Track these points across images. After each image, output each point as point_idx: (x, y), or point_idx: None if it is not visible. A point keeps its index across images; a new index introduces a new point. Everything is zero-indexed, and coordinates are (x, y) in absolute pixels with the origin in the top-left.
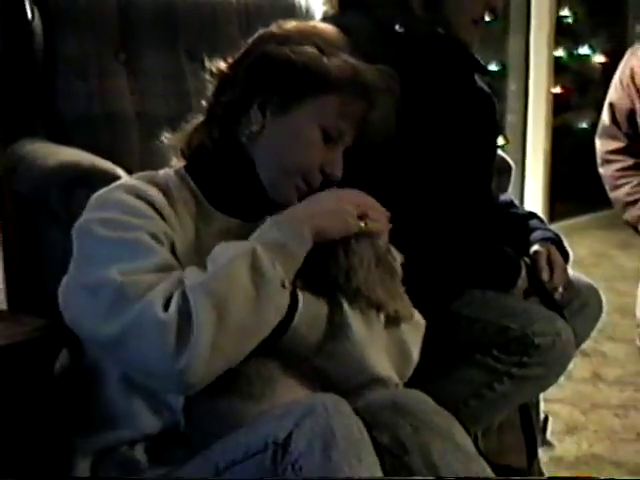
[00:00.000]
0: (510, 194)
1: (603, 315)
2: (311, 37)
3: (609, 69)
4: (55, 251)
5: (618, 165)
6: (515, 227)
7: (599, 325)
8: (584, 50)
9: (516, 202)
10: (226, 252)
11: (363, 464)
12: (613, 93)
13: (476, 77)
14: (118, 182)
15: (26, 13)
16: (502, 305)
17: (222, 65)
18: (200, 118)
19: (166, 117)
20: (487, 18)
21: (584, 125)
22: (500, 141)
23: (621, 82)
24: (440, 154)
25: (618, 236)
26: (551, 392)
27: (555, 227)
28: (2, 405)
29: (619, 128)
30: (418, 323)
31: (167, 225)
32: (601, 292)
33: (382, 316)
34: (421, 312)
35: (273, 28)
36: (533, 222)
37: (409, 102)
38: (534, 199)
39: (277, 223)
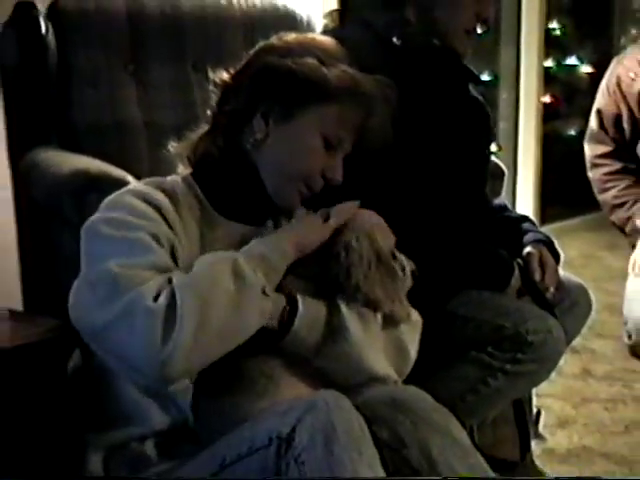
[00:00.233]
0: (503, 198)
1: (592, 313)
2: (311, 49)
3: (596, 79)
4: (68, 255)
5: (606, 169)
6: (508, 230)
7: (588, 323)
8: (572, 61)
9: (509, 206)
10: (210, 259)
11: (363, 458)
12: (600, 100)
13: (470, 86)
14: (127, 187)
15: (40, 28)
16: (496, 304)
17: (225, 76)
18: (205, 127)
19: (173, 126)
20: (479, 30)
21: (572, 132)
22: (493, 148)
23: (608, 89)
24: (436, 160)
25: (606, 238)
26: (543, 387)
27: (546, 229)
28: (18, 403)
29: (606, 133)
30: (415, 322)
31: (172, 229)
32: (590, 291)
33: (379, 317)
34: (419, 311)
35: (273, 40)
36: (525, 225)
37: (407, 111)
38: (526, 203)
39: (262, 241)
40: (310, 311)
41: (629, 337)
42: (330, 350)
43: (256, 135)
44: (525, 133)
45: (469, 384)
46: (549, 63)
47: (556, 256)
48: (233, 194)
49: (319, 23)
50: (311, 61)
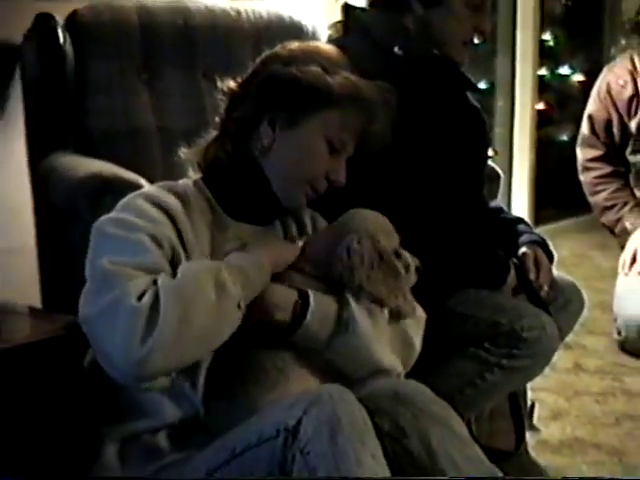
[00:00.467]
0: (499, 201)
1: (584, 311)
2: (314, 57)
3: (587, 87)
4: (84, 254)
5: (597, 172)
6: (504, 231)
7: (580, 320)
8: (564, 70)
9: (505, 208)
10: (195, 266)
11: (366, 448)
12: (592, 106)
13: (468, 94)
14: (141, 190)
15: (58, 38)
16: (493, 302)
17: (232, 84)
18: (214, 133)
19: (185, 131)
20: (476, 41)
21: (565, 138)
22: (490, 152)
23: (599, 95)
24: (436, 164)
25: (596, 238)
26: (537, 381)
27: (540, 230)
28: (36, 396)
29: (597, 138)
30: (419, 316)
31: (179, 231)
32: (582, 290)
33: (385, 312)
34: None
35: (278, 49)
36: (520, 226)
37: (408, 117)
38: (521, 205)
39: (242, 255)
40: (321, 306)
41: (619, 333)
42: (340, 343)
43: (263, 141)
44: (520, 138)
45: (467, 378)
46: (543, 72)
47: (550, 256)
48: (242, 197)
49: (324, 33)
50: (315, 69)
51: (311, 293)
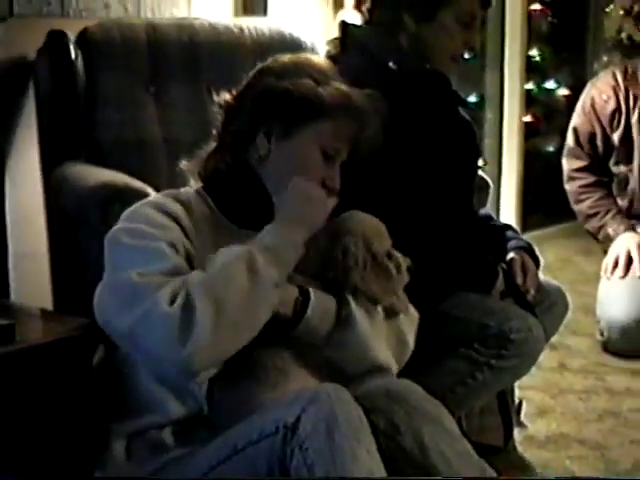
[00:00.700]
0: (488, 208)
1: (568, 313)
2: (306, 69)
3: (572, 101)
4: (94, 260)
5: (581, 182)
6: (493, 237)
7: (565, 321)
8: (550, 84)
9: (494, 215)
10: (226, 255)
11: (362, 444)
12: (576, 119)
13: (459, 107)
14: (146, 199)
15: (70, 54)
16: (483, 305)
17: (228, 97)
18: (213, 145)
19: (189, 143)
20: (467, 56)
21: (551, 149)
22: (480, 162)
23: (583, 109)
24: (428, 174)
25: (581, 244)
26: (524, 380)
27: (527, 236)
28: (48, 393)
29: (582, 149)
30: (413, 316)
31: (187, 237)
32: (566, 293)
33: (380, 310)
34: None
35: (270, 62)
36: (509, 233)
37: (402, 128)
38: (509, 212)
39: (273, 230)
40: (321, 302)
41: (601, 334)
42: (339, 339)
43: (260, 152)
44: (508, 149)
45: (458, 377)
46: (530, 86)
47: (536, 261)
48: (242, 205)
49: (322, 49)
50: (306, 81)
51: (311, 290)
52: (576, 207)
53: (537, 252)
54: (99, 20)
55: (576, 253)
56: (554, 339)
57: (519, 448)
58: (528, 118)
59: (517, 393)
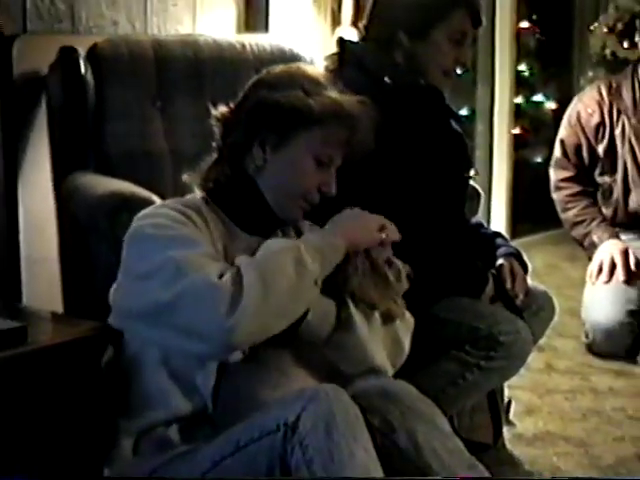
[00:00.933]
0: (479, 217)
1: (555, 316)
2: (297, 79)
3: (559, 114)
4: (103, 265)
5: (568, 191)
6: (484, 244)
7: (551, 324)
8: (538, 98)
9: (484, 223)
10: (276, 244)
11: (358, 442)
12: (563, 131)
13: (451, 120)
14: (159, 203)
15: (80, 69)
16: (473, 309)
17: (225, 110)
18: (214, 156)
19: (194, 154)
20: (459, 71)
21: (539, 160)
22: (471, 173)
23: (569, 122)
24: (422, 184)
25: (567, 251)
26: (513, 380)
27: (516, 243)
28: (58, 393)
29: (569, 160)
30: (409, 321)
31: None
32: (553, 297)
33: (377, 314)
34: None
35: (263, 74)
36: (498, 240)
37: (397, 140)
38: (499, 220)
39: (320, 233)
40: (321, 305)
41: (586, 337)
42: (338, 341)
43: (256, 162)
44: (498, 160)
45: (450, 378)
46: (519, 100)
47: (524, 267)
48: (244, 212)
49: (321, 64)
50: (296, 92)
51: None
52: (563, 215)
53: (525, 258)
54: (108, 37)
55: (562, 259)
56: (541, 341)
57: (508, 445)
58: (517, 130)
59: (506, 393)
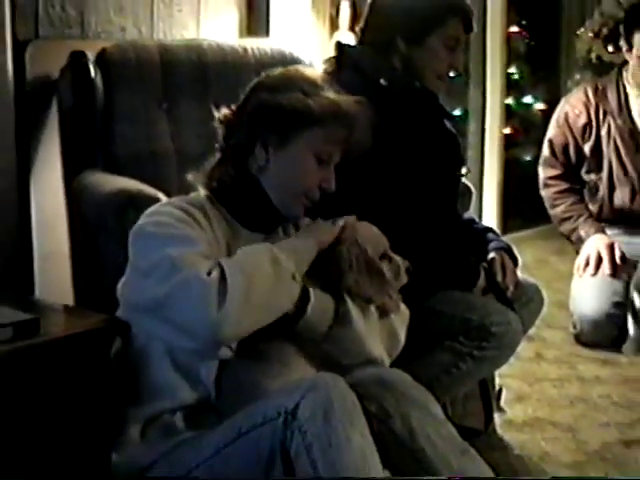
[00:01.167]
0: (471, 212)
1: (544, 308)
2: (296, 81)
3: (547, 114)
4: (111, 260)
5: (556, 189)
6: (475, 239)
7: (541, 316)
8: (528, 99)
9: (476, 219)
10: (251, 248)
11: (355, 428)
12: (551, 131)
13: (445, 121)
14: (165, 201)
15: (90, 73)
16: (466, 301)
17: (227, 112)
18: (217, 157)
19: (198, 154)
20: (452, 74)
21: (528, 158)
22: (463, 171)
23: (557, 122)
24: (416, 181)
25: (555, 245)
26: (504, 369)
27: (507, 238)
28: (69, 383)
29: (556, 159)
30: (404, 313)
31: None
32: (542, 290)
33: (374, 309)
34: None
35: (263, 77)
36: (489, 235)
37: (392, 139)
38: (490, 216)
39: (291, 239)
40: (320, 300)
41: (574, 327)
42: (337, 334)
43: (259, 162)
44: (490, 159)
45: (443, 367)
46: (509, 101)
47: (515, 260)
48: (247, 210)
49: (320, 67)
50: (296, 94)
51: (311, 290)
52: (551, 211)
53: (516, 252)
54: (116, 42)
55: (551, 253)
56: (531, 331)
57: (499, 431)
58: (508, 130)
59: (497, 381)
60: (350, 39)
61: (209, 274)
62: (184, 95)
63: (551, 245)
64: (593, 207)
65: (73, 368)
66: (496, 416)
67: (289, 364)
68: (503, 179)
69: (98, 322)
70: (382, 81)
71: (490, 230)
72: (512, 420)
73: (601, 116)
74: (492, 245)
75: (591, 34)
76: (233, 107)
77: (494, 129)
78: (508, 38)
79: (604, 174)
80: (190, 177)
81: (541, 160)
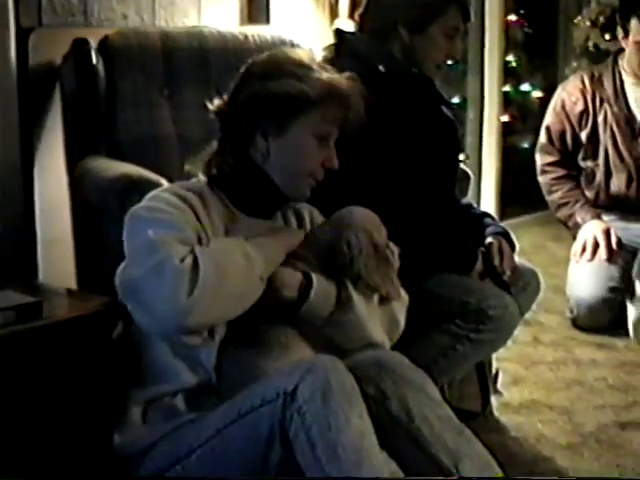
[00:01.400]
0: (469, 198)
1: (540, 292)
2: (287, 65)
3: (545, 102)
4: (114, 244)
5: (553, 175)
6: (473, 224)
7: (537, 300)
8: (525, 87)
9: (474, 204)
10: (223, 240)
11: (354, 409)
12: (548, 118)
13: (443, 108)
14: (165, 186)
15: (92, 60)
16: (463, 285)
17: (219, 103)
18: (215, 145)
19: (200, 139)
20: (450, 62)
21: (526, 145)
22: (461, 157)
23: (554, 110)
24: (415, 167)
25: (552, 231)
26: (501, 352)
27: (505, 224)
28: (72, 365)
29: (553, 146)
30: (404, 298)
31: (200, 222)
32: (539, 274)
33: (375, 296)
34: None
35: (249, 64)
36: (487, 220)
37: (391, 125)
38: (488, 202)
39: (260, 238)
40: (322, 286)
41: (570, 312)
42: (339, 319)
43: (261, 151)
44: (488, 145)
45: (441, 350)
46: (507, 89)
47: (512, 245)
48: (249, 196)
49: (319, 54)
50: (288, 80)
51: (314, 276)
52: (548, 198)
53: (513, 237)
54: (118, 29)
55: (548, 239)
56: (528, 315)
57: (495, 413)
58: (505, 117)
59: (494, 364)
60: (349, 26)
61: (182, 260)
62: (185, 81)
63: (548, 231)
64: (589, 193)
65: (75, 350)
66: (493, 399)
67: (290, 348)
68: (501, 166)
69: (100, 305)
70: (381, 67)
71: (488, 215)
72: (509, 403)
73: (597, 103)
74: (490, 230)
75: (588, 22)
76: (225, 97)
77: (492, 116)
78: (506, 26)
79: (600, 161)
80: (187, 167)
81: (538, 147)
